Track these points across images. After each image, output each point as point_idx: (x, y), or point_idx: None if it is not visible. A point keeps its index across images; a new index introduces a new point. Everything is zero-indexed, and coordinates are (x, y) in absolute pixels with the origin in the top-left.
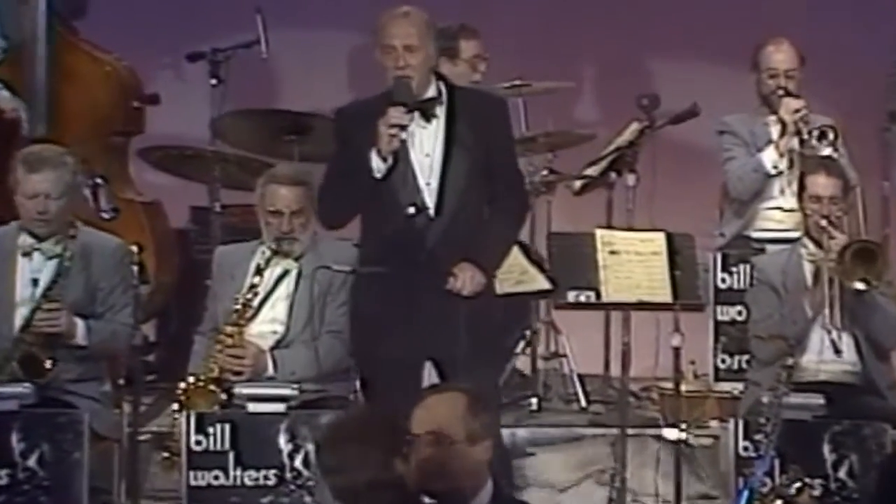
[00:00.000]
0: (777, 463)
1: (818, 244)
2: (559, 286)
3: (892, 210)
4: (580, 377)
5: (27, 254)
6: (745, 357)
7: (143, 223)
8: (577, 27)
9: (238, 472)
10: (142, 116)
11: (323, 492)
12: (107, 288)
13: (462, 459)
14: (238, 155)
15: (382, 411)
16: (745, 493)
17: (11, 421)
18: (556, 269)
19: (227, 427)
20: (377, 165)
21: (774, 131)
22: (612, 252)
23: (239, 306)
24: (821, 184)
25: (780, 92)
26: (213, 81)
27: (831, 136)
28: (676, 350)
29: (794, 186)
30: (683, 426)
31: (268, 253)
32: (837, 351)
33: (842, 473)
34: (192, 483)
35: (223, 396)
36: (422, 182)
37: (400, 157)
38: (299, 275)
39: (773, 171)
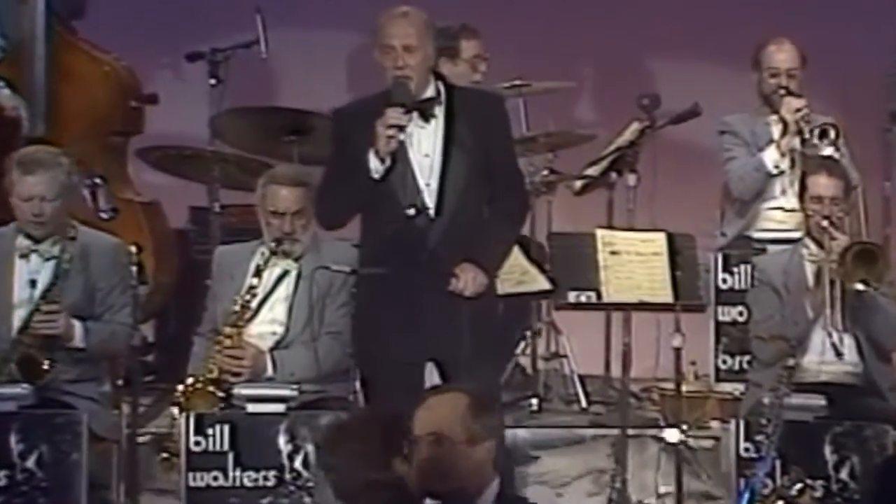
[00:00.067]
0: (778, 464)
1: (819, 245)
2: (560, 286)
3: (893, 210)
4: (581, 378)
5: (25, 255)
6: (746, 358)
7: (142, 223)
8: (577, 27)
9: (237, 473)
10: (141, 116)
11: (323, 492)
12: (105, 288)
13: (463, 460)
14: (237, 155)
15: (384, 412)
16: (747, 494)
17: (10, 422)
18: (557, 270)
19: (227, 428)
20: (375, 166)
21: (776, 131)
22: (613, 252)
23: (238, 307)
24: (822, 184)
25: (782, 91)
26: (213, 81)
27: (832, 134)
28: (677, 351)
29: (796, 186)
30: (684, 427)
31: (267, 253)
32: (839, 352)
33: (843, 474)
34: (192, 484)
35: (222, 397)
36: (421, 183)
37: (399, 158)
38: (299, 275)
39: (775, 171)
